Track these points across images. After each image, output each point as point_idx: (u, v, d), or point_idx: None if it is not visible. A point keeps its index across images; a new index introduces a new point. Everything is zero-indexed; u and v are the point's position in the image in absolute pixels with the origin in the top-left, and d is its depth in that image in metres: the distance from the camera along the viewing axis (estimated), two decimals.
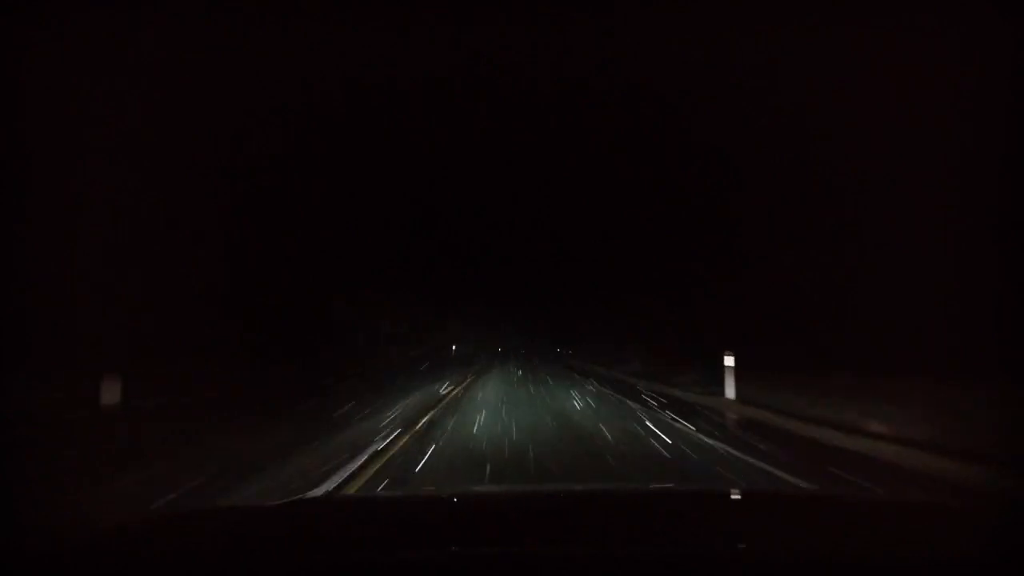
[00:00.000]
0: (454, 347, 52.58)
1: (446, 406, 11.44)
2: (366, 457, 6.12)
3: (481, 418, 9.54)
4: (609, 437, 7.54)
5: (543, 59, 20.28)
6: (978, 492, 4.87)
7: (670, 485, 4.43)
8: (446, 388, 15.56)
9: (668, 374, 17.50)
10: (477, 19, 14.91)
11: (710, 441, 7.22)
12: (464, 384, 17.50)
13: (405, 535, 1.54)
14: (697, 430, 8.11)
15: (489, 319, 79.15)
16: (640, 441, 7.30)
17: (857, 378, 9.41)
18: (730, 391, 11.47)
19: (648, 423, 8.83)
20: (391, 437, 7.34)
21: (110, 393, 9.86)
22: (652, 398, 12.94)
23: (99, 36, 12.07)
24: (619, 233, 31.76)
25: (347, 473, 5.41)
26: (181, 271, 15.28)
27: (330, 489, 4.86)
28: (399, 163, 36.93)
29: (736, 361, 11.59)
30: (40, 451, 6.73)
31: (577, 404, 11.93)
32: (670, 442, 7.14)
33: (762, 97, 14.78)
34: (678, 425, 8.67)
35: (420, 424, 8.72)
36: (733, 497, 2.35)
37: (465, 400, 12.86)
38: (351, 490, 4.90)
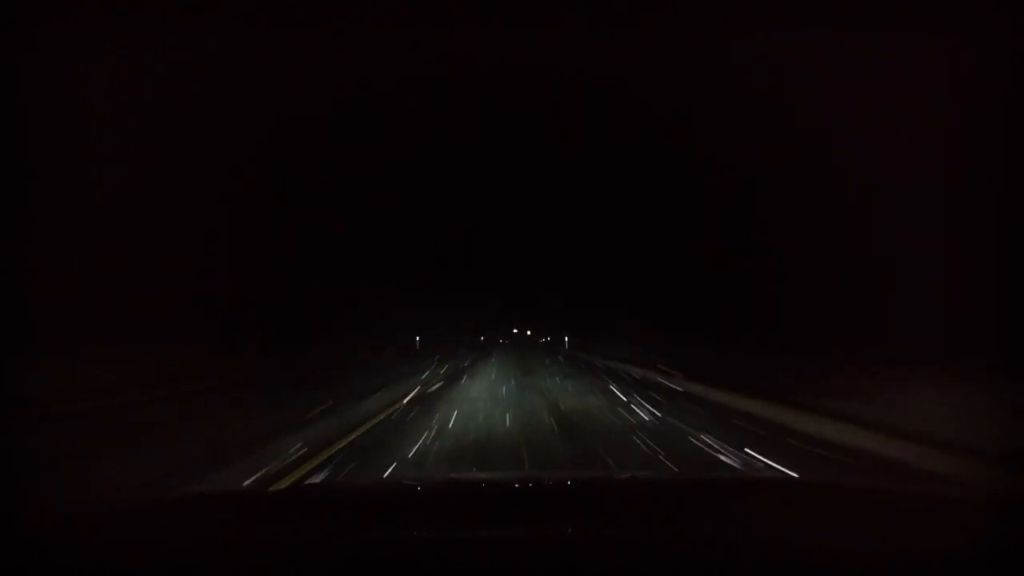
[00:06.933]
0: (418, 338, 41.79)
1: None
2: None
3: None
4: None
5: (544, 60, 20.33)
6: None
7: (663, 474, 4.44)
8: None
9: None
10: (488, 23, 14.90)
11: None
12: None
13: (383, 520, 1.56)
14: None
15: (488, 315, 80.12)
16: None
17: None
18: None
19: None
20: None
21: None
22: None
23: (109, 42, 12.33)
24: (631, 232, 32.04)
25: None
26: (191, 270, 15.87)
27: None
28: (409, 168, 37.20)
29: None
30: None
31: None
32: None
33: (769, 98, 14.82)
34: None
35: None
36: (724, 484, 2.38)
37: None
38: None
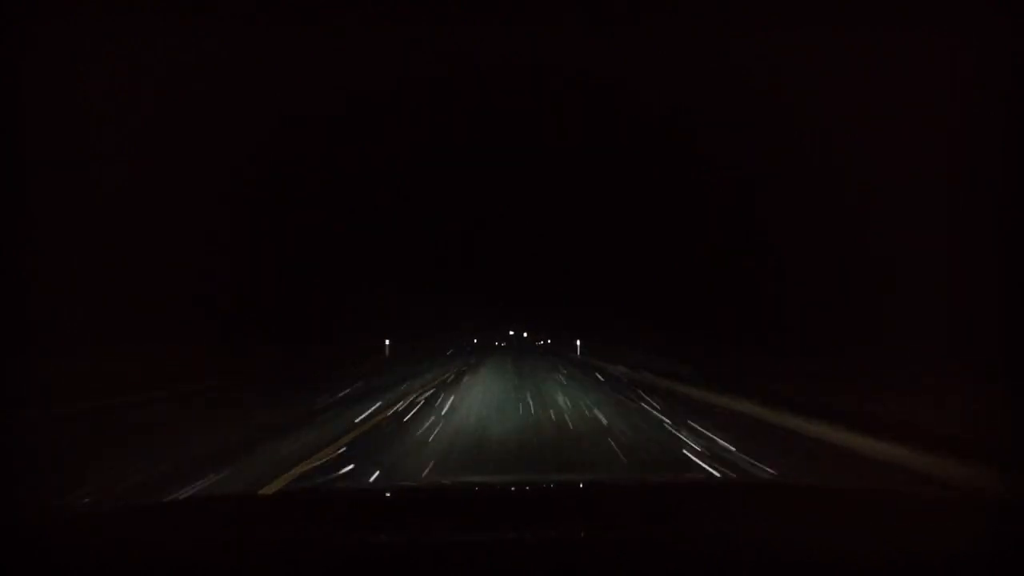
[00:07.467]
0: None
1: None
2: None
3: None
4: None
5: (544, 60, 20.36)
6: None
7: (664, 476, 4.43)
8: None
9: None
10: (488, 23, 14.92)
11: None
12: None
13: (381, 523, 1.55)
14: None
15: (487, 317, 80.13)
16: None
17: None
18: None
19: None
20: None
21: None
22: None
23: (109, 42, 12.43)
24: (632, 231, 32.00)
25: None
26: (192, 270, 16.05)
27: None
28: (409, 168, 37.21)
29: None
30: None
31: None
32: None
33: (770, 98, 14.84)
34: None
35: None
36: (724, 486, 2.36)
37: None
38: None
